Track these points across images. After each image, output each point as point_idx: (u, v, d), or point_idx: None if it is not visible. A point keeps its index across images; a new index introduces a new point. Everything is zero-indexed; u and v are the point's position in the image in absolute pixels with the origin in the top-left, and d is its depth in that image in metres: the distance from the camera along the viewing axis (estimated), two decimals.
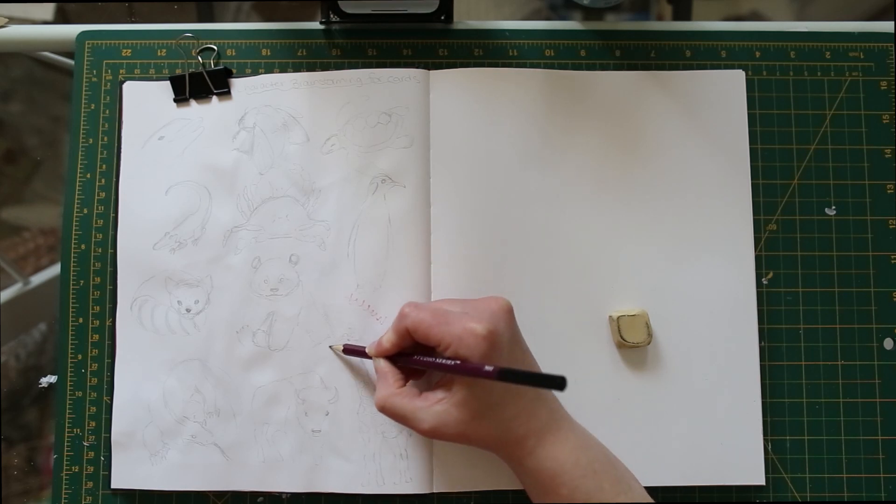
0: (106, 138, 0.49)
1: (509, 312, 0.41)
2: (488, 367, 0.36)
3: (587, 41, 0.51)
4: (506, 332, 0.39)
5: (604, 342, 0.47)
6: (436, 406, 0.39)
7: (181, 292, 0.47)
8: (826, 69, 0.50)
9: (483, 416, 0.38)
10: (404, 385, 0.41)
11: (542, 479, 0.39)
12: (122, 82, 0.50)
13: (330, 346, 0.46)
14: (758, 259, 0.48)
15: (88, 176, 0.49)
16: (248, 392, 0.46)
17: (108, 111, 0.50)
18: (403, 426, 0.43)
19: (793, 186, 0.49)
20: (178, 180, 0.48)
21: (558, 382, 0.34)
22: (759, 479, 0.46)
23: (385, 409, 0.41)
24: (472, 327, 0.38)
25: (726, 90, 0.49)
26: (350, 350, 0.45)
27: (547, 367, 0.46)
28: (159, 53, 0.50)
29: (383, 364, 0.42)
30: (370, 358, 0.44)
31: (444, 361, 0.39)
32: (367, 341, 0.46)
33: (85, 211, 0.49)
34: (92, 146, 0.49)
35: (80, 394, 0.47)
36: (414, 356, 0.42)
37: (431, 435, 0.39)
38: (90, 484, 0.47)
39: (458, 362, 0.38)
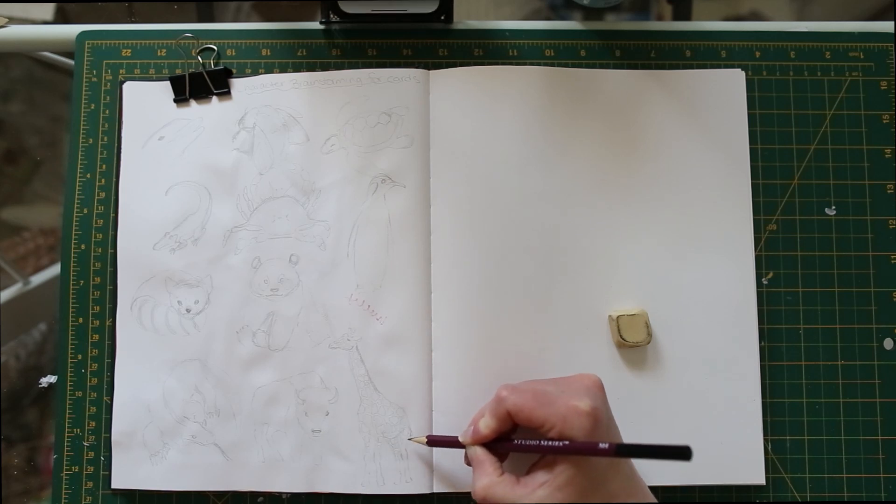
0: (106, 138, 0.49)
1: (601, 388, 0.40)
2: (603, 445, 0.35)
3: (587, 41, 0.51)
4: (603, 407, 0.39)
5: (603, 342, 0.47)
6: (538, 491, 0.37)
7: (181, 292, 0.47)
8: (826, 69, 0.50)
9: (590, 494, 0.37)
10: (503, 472, 0.39)
11: None
12: (122, 82, 0.50)
13: (409, 439, 0.44)
14: (758, 259, 0.48)
15: (88, 176, 0.49)
16: (248, 392, 0.46)
17: (108, 111, 0.50)
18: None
19: (793, 186, 0.49)
20: (178, 180, 0.48)
21: (684, 453, 0.31)
22: (759, 479, 0.46)
23: (487, 499, 0.38)
24: (576, 405, 0.37)
25: (726, 90, 0.49)
26: (436, 441, 0.43)
27: (546, 366, 0.46)
28: (159, 53, 0.50)
29: (480, 452, 0.40)
30: (461, 447, 0.42)
31: (552, 444, 0.37)
32: (368, 341, 0.46)
33: (85, 211, 0.49)
34: (92, 146, 0.49)
35: (80, 394, 0.47)
36: (514, 441, 0.40)
37: None
38: (90, 484, 0.47)
39: (568, 443, 0.37)
